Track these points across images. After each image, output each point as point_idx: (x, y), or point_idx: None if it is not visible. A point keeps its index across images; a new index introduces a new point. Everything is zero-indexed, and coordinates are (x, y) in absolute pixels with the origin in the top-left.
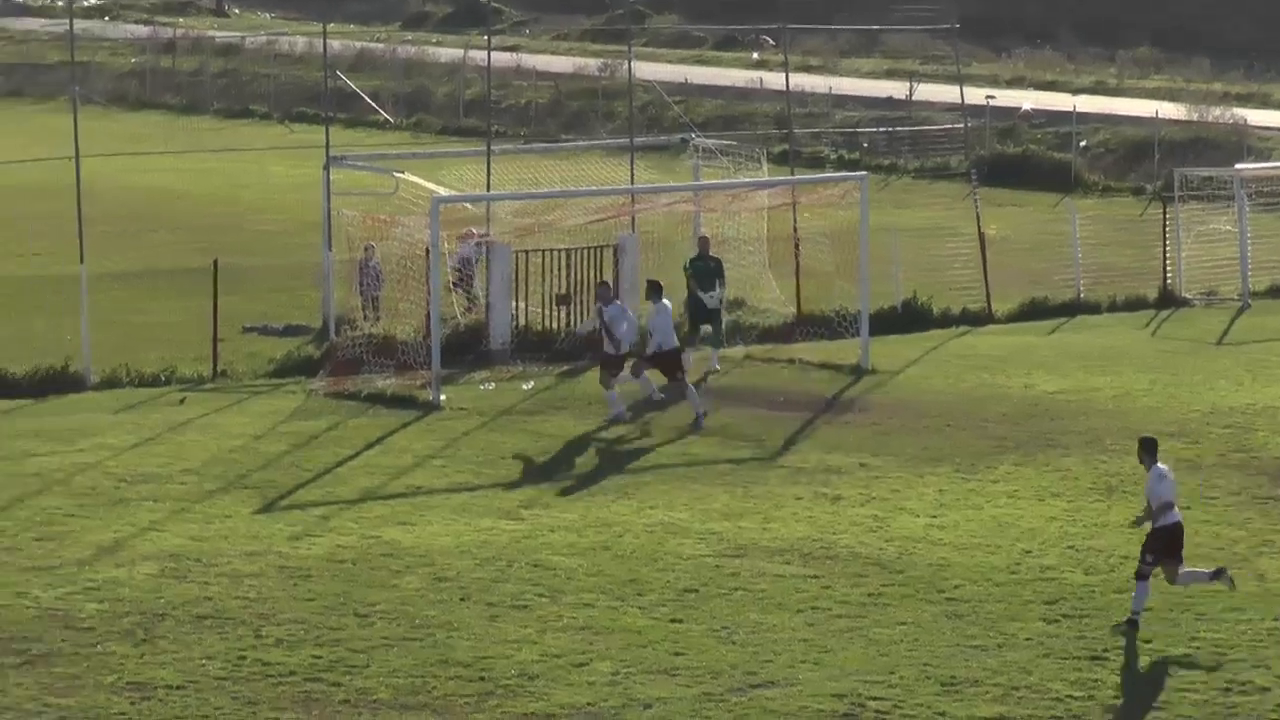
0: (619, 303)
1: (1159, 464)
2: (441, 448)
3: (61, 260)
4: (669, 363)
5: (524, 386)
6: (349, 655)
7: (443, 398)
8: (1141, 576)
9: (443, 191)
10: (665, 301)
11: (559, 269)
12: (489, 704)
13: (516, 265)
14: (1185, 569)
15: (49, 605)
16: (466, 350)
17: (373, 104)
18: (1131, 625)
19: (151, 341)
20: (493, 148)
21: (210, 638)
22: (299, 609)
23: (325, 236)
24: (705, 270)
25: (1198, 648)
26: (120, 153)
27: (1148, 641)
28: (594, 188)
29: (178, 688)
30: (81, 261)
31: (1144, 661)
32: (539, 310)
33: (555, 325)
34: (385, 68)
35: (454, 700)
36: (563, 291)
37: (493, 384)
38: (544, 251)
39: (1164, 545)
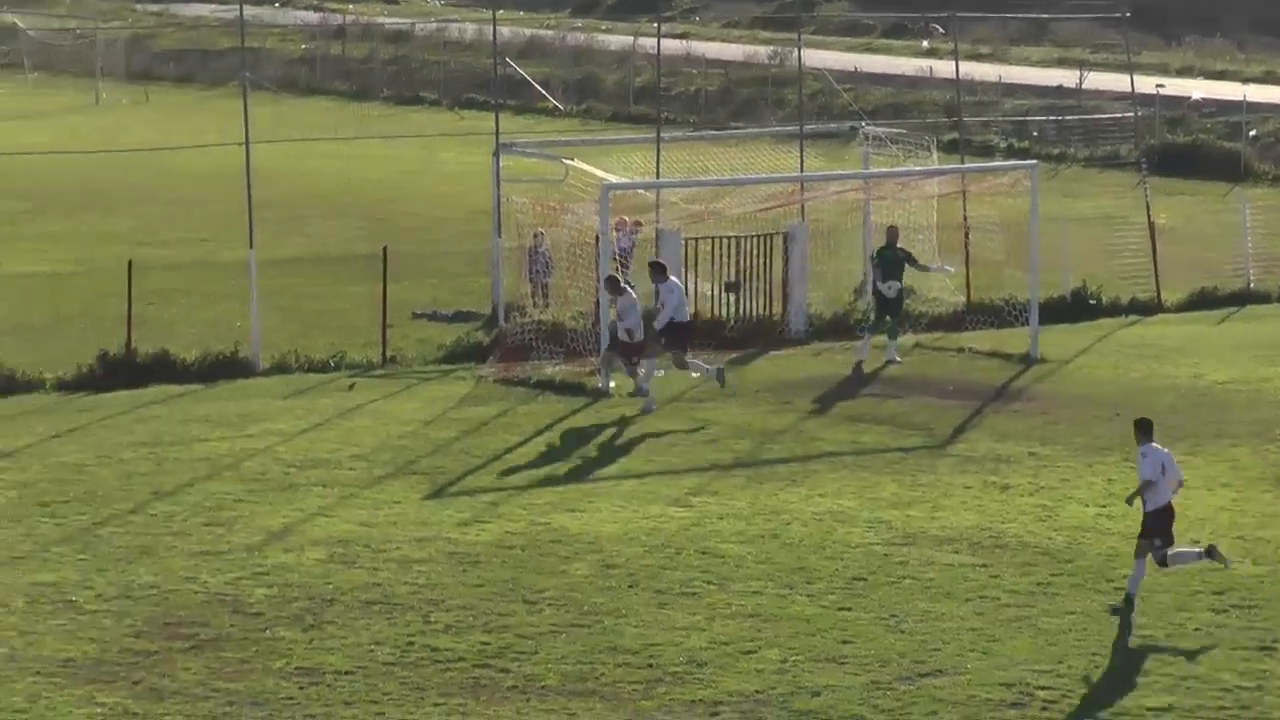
0: (631, 294)
1: (1150, 444)
2: (610, 434)
3: (231, 245)
4: (681, 336)
5: (693, 374)
6: (517, 641)
7: (612, 384)
8: (1160, 562)
9: (612, 178)
10: (674, 279)
11: (728, 256)
12: (657, 691)
13: (686, 252)
14: (1174, 550)
15: (218, 590)
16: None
17: (542, 91)
18: (1128, 603)
19: (321, 327)
20: (662, 135)
21: (379, 623)
22: (468, 595)
23: (495, 223)
24: (893, 261)
25: None
26: (290, 139)
27: None
28: (763, 175)
29: (346, 673)
30: (251, 247)
31: None
32: (708, 297)
33: (724, 312)
34: (555, 55)
35: (621, 687)
36: (732, 279)
37: (662, 371)
38: (713, 239)
39: (1160, 527)
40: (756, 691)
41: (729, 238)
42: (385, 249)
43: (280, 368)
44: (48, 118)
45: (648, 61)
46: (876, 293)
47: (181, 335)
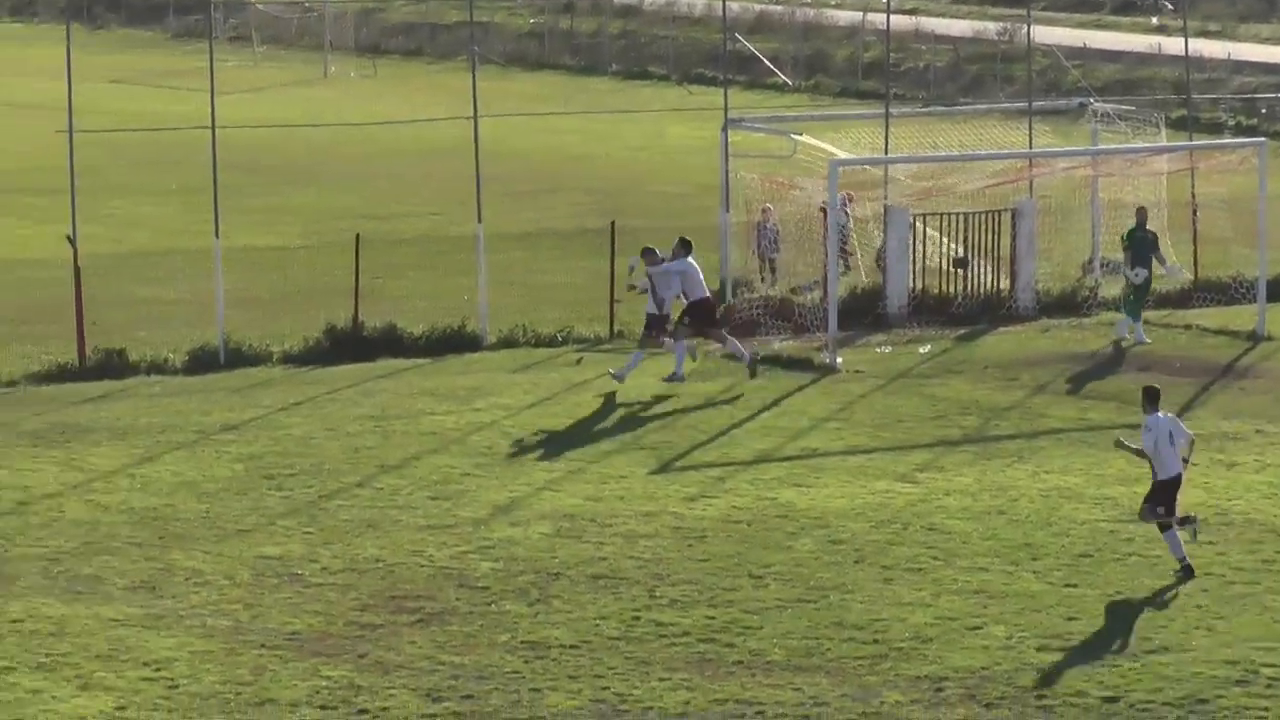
0: (667, 263)
1: (1155, 414)
2: (837, 410)
3: (460, 220)
4: (704, 314)
5: (920, 350)
6: (742, 616)
7: (839, 360)
8: (1162, 529)
9: (840, 154)
10: (691, 259)
11: (956, 233)
12: (882, 667)
13: (914, 228)
14: (1171, 531)
15: (444, 564)
16: (863, 313)
17: (771, 66)
18: (1186, 572)
19: (549, 302)
20: (891, 111)
21: (604, 598)
22: (693, 570)
23: (723, 199)
24: (1144, 242)
25: None
26: (518, 113)
27: None
28: (991, 152)
29: (571, 647)
30: (479, 221)
31: None
32: (936, 273)
33: (952, 289)
34: (784, 30)
35: (846, 662)
36: (960, 255)
37: (889, 347)
38: (941, 215)
39: (1165, 497)
40: (982, 668)
41: (957, 214)
42: (613, 224)
43: (507, 342)
44: (276, 91)
45: (877, 37)
46: (1128, 276)
47: (409, 309)
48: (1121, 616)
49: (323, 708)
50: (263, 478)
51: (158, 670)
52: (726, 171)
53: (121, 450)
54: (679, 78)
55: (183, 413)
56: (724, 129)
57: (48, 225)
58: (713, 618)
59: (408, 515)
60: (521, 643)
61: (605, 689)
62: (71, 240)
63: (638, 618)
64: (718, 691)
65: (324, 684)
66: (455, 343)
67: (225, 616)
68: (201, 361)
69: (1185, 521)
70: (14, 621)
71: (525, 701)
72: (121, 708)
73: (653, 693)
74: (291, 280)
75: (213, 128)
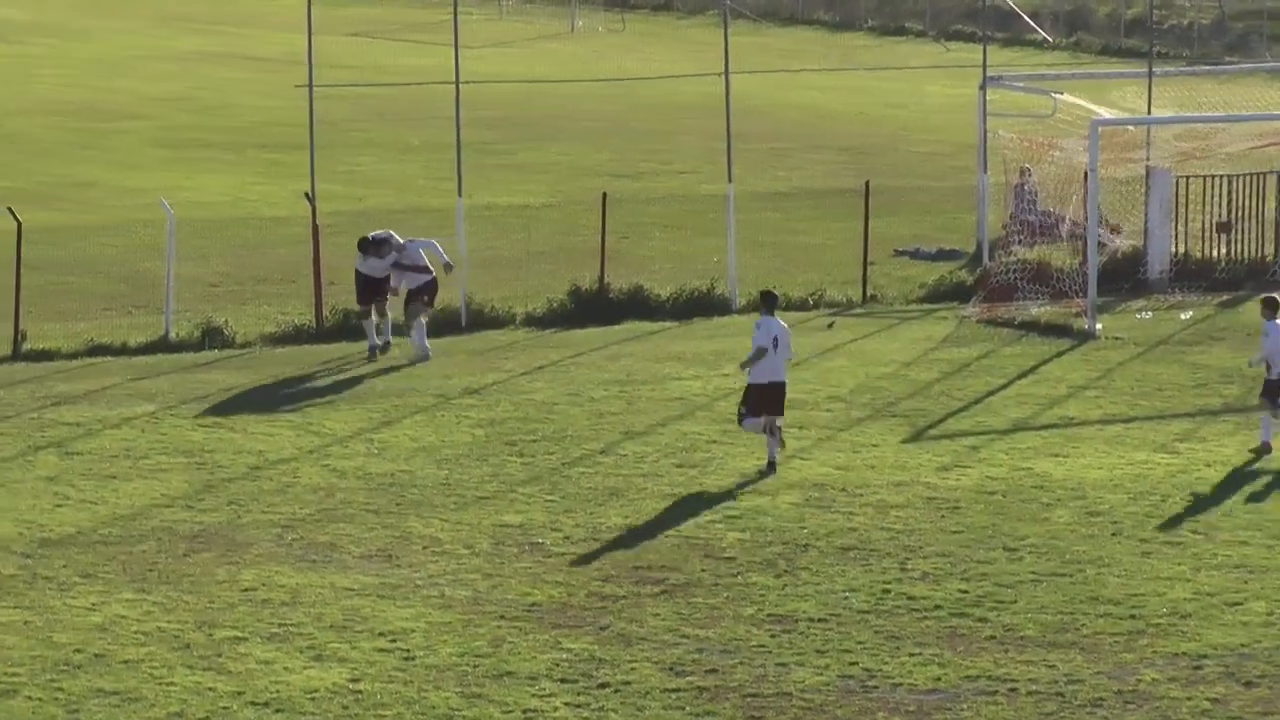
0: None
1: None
2: (1096, 378)
3: (710, 179)
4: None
5: (1182, 316)
6: (996, 590)
7: (1098, 326)
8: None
9: (1103, 113)
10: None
11: (1220, 196)
12: (1139, 643)
13: (1176, 191)
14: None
15: (689, 534)
16: (1123, 278)
17: (1031, 23)
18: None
19: (800, 264)
20: (1154, 69)
21: (854, 570)
22: (946, 541)
23: (980, 159)
24: None
25: None
26: (771, 70)
27: None
28: (1257, 113)
29: (819, 620)
30: (730, 180)
31: None
32: (1199, 238)
33: (1215, 254)
34: None
35: (1102, 638)
36: (1224, 219)
37: (1150, 313)
38: (1205, 178)
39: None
40: (1242, 645)
41: (1221, 176)
42: (867, 184)
43: (758, 305)
44: (523, 45)
45: None
46: None
47: (656, 271)
48: None
49: (562, 680)
50: (504, 443)
51: (393, 641)
52: (984, 131)
53: (359, 414)
54: (936, 34)
55: (422, 376)
56: (982, 87)
57: (286, 182)
58: (965, 591)
59: (652, 483)
60: (768, 616)
61: (853, 664)
62: (310, 198)
63: (888, 590)
64: (969, 667)
65: (564, 656)
66: (703, 305)
67: (463, 586)
68: (442, 324)
69: None
70: (246, 590)
71: (771, 676)
72: (355, 680)
73: (902, 668)
74: (536, 240)
75: (456, 83)
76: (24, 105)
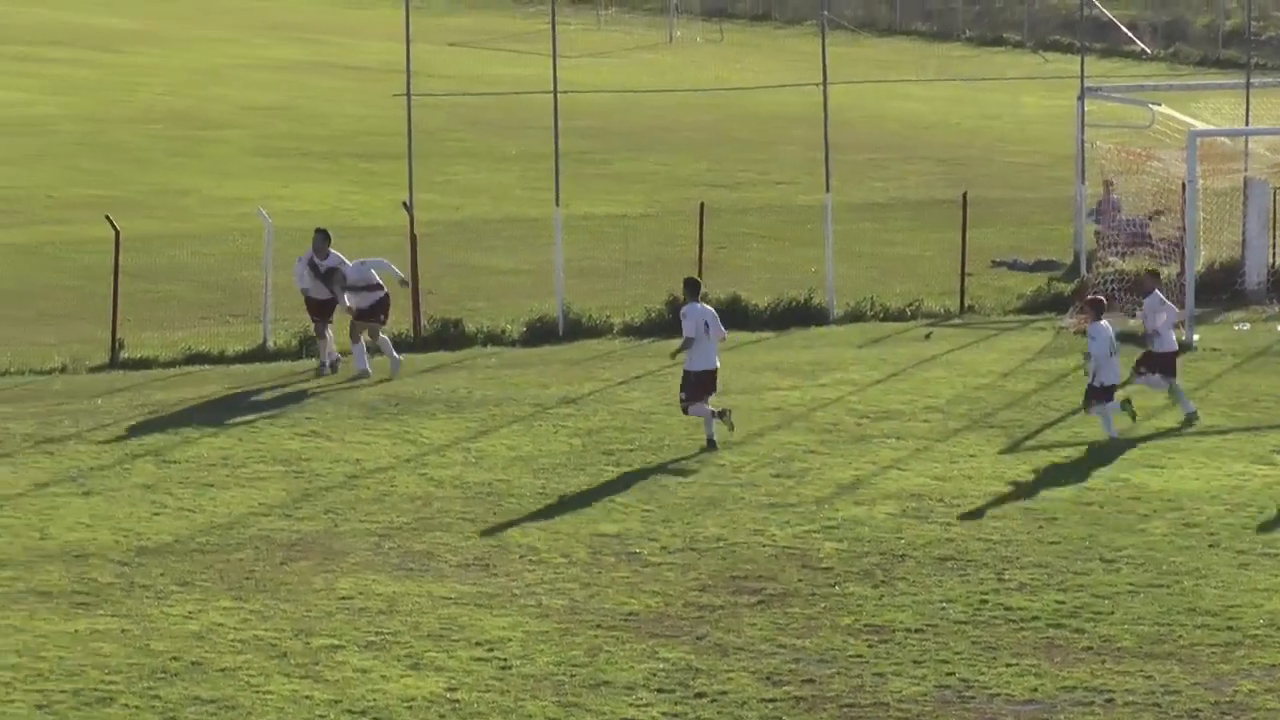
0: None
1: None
2: (1192, 389)
3: (808, 189)
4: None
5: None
6: (1093, 601)
7: (1195, 338)
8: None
9: (1199, 125)
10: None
11: None
12: (1235, 654)
13: (1274, 202)
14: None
15: (786, 544)
16: (1220, 289)
17: (1129, 33)
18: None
19: (897, 275)
20: (1252, 80)
21: (951, 580)
22: (1043, 552)
23: (1078, 169)
24: None
25: None
26: (869, 80)
27: None
28: None
29: (916, 631)
30: (828, 190)
31: None
32: None
33: None
34: None
35: (1199, 650)
36: None
37: (1247, 324)
38: None
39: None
40: None
41: None
42: (965, 194)
43: (854, 315)
44: (620, 55)
45: (1238, 4)
46: None
47: (753, 281)
48: None
49: (659, 690)
50: (601, 453)
51: (490, 650)
52: (1082, 142)
53: (456, 423)
54: (1034, 45)
55: (519, 385)
56: (1080, 98)
57: (383, 191)
58: (1062, 602)
59: (749, 493)
60: (865, 626)
61: (950, 674)
62: (408, 207)
63: (985, 601)
64: (1066, 678)
65: (661, 666)
66: (800, 315)
67: (560, 595)
68: (539, 333)
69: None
70: (344, 598)
71: (868, 686)
72: (452, 689)
73: (999, 678)
74: (633, 250)
75: (554, 92)
76: (125, 114)
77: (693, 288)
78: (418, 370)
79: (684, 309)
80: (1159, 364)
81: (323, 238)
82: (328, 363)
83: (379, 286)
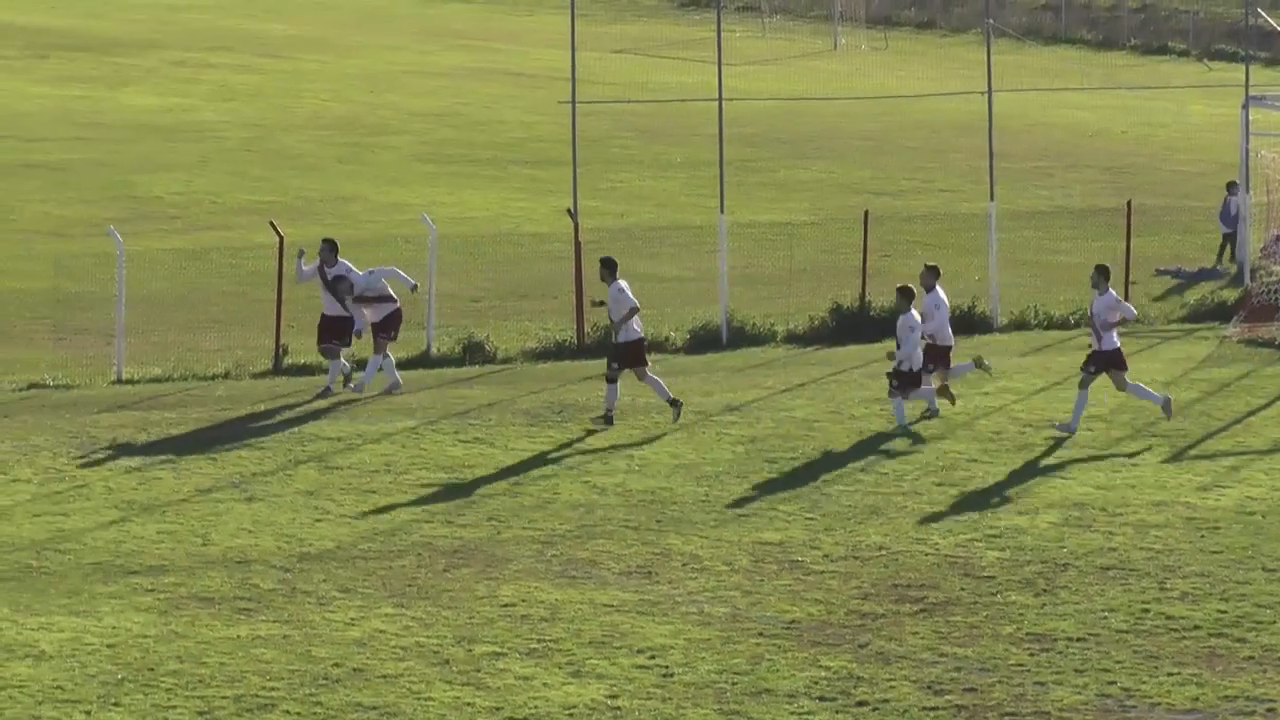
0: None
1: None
2: None
3: (971, 197)
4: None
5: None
6: (1255, 611)
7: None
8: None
9: None
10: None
11: None
12: None
13: None
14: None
15: (948, 552)
16: None
17: None
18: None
19: (1062, 283)
20: None
21: (1113, 589)
22: (1205, 561)
23: (1242, 178)
24: None
25: None
26: (1033, 88)
27: None
28: None
29: (1078, 639)
30: (992, 199)
31: None
32: None
33: None
34: None
35: None
36: None
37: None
38: None
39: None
40: None
41: None
42: (1129, 203)
43: (1018, 324)
44: (785, 63)
45: None
46: None
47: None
48: None
49: (821, 699)
50: (764, 460)
51: (652, 658)
52: (1246, 150)
53: (618, 430)
54: (1199, 53)
55: (683, 392)
56: (1244, 106)
57: (549, 198)
58: (1224, 611)
59: (912, 501)
60: (1026, 634)
61: (1112, 683)
62: (572, 214)
63: (1147, 610)
64: (1228, 688)
65: (823, 675)
66: (965, 324)
67: (723, 603)
68: (703, 340)
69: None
70: (506, 605)
71: (1029, 695)
72: (614, 696)
73: (1160, 688)
74: (798, 257)
75: (719, 100)
76: (291, 121)
77: (610, 266)
78: (580, 377)
79: (618, 285)
80: (1100, 360)
81: (329, 247)
82: (331, 386)
83: (391, 298)
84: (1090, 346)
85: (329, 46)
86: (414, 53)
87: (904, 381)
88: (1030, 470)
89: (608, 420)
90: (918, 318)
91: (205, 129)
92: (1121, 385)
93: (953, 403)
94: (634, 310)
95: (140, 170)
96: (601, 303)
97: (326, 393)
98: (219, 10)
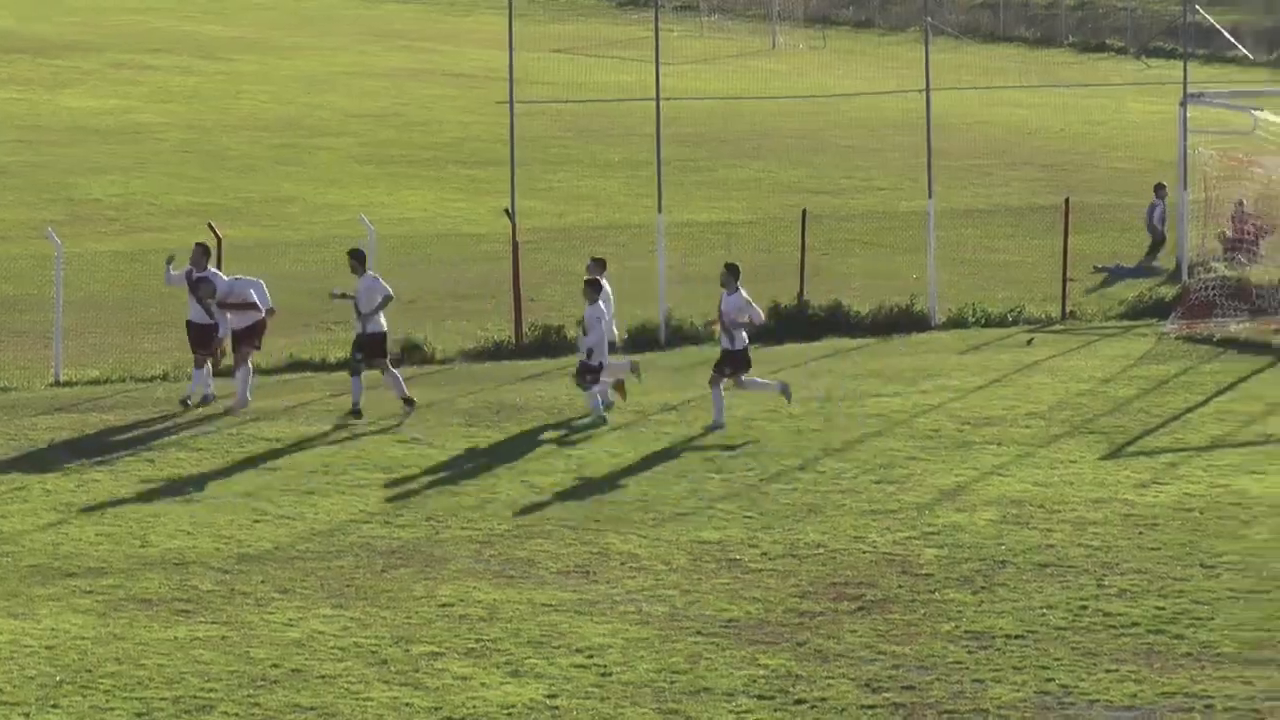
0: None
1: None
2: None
3: (910, 195)
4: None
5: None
6: (1193, 607)
7: None
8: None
9: None
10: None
11: None
12: None
13: None
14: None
15: (886, 550)
16: None
17: (1231, 39)
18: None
19: (999, 281)
20: None
21: (1051, 586)
22: (1143, 558)
23: (1180, 176)
24: None
25: None
26: (972, 86)
27: None
28: None
29: (1016, 637)
30: (930, 197)
31: None
32: None
33: None
34: (1245, 2)
35: None
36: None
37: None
38: None
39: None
40: None
41: None
42: (1067, 200)
43: (956, 322)
44: (723, 62)
45: None
46: None
47: (855, 287)
48: None
49: (759, 697)
50: (702, 460)
51: (590, 657)
52: (1184, 148)
53: (557, 430)
54: (1137, 51)
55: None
56: (1182, 104)
57: (487, 198)
58: (1162, 608)
59: (850, 499)
60: (965, 632)
61: (1050, 680)
62: (510, 214)
63: (1085, 607)
64: (1165, 684)
65: (761, 673)
66: (902, 322)
67: (661, 602)
68: (641, 340)
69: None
70: (444, 605)
71: (968, 693)
72: (552, 696)
73: (1099, 685)
74: (735, 256)
75: (657, 99)
76: (229, 122)
77: (360, 258)
78: (519, 377)
79: (370, 275)
80: (734, 362)
81: (201, 251)
82: (191, 397)
83: (254, 307)
84: (721, 347)
85: (268, 48)
86: (352, 54)
87: (587, 372)
88: (968, 468)
89: (356, 414)
90: (604, 309)
91: (143, 131)
92: (740, 384)
93: (624, 398)
94: (388, 299)
95: (78, 172)
96: (343, 294)
97: (184, 403)
98: (157, 12)
